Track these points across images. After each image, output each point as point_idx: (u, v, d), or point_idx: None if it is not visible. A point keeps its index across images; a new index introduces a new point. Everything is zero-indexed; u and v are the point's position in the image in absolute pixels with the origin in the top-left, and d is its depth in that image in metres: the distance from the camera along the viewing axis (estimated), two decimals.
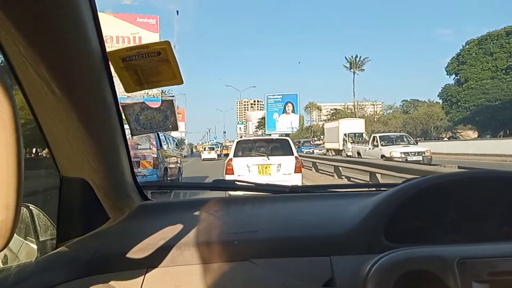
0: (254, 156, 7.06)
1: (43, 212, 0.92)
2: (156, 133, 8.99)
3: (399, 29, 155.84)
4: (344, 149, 26.05)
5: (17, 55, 0.59)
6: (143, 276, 0.72)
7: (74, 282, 0.71)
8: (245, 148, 7.37)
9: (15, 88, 0.68)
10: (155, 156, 9.20)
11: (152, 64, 0.74)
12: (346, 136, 26.73)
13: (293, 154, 7.03)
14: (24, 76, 0.65)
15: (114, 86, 0.78)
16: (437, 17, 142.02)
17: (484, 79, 43.26)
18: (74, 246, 0.81)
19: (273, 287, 0.70)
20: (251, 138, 8.44)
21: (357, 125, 30.04)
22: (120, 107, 0.82)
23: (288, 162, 6.91)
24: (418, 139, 32.03)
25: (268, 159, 6.90)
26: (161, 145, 9.81)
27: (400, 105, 59.51)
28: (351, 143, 24.55)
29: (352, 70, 57.59)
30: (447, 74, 48.40)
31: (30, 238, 0.89)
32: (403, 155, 14.43)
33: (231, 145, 8.41)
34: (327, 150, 32.02)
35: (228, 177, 6.66)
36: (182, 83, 0.77)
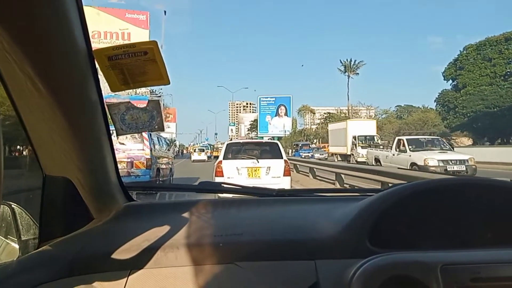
0: (244, 158, 7.29)
1: (26, 211, 0.93)
2: (149, 134, 9.53)
3: (392, 36, 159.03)
4: (352, 154, 23.88)
5: (0, 51, 0.59)
6: (126, 278, 0.74)
7: (57, 282, 0.72)
8: (235, 150, 7.61)
9: None
10: (149, 157, 9.53)
11: (139, 64, 0.76)
12: (355, 139, 24.48)
13: (282, 158, 7.32)
14: (7, 73, 0.66)
15: (99, 85, 0.79)
16: (429, 25, 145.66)
17: (482, 85, 43.83)
18: (57, 246, 0.83)
19: None
20: (241, 141, 8.73)
21: (368, 127, 27.35)
22: (106, 106, 0.84)
23: (277, 165, 7.19)
24: None
25: (258, 162, 7.17)
26: (154, 146, 10.14)
27: (394, 110, 60.10)
28: (361, 147, 22.65)
29: (346, 73, 58.03)
30: (444, 79, 49.09)
31: (11, 237, 0.90)
32: (441, 164, 11.68)
33: (222, 147, 8.59)
34: (332, 154, 29.89)
35: (218, 179, 6.87)
36: (169, 83, 0.80)
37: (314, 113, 65.64)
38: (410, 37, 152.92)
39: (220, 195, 1.51)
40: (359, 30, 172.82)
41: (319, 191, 1.27)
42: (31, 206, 0.96)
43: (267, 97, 53.13)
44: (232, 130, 75.78)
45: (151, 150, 9.75)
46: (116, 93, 0.83)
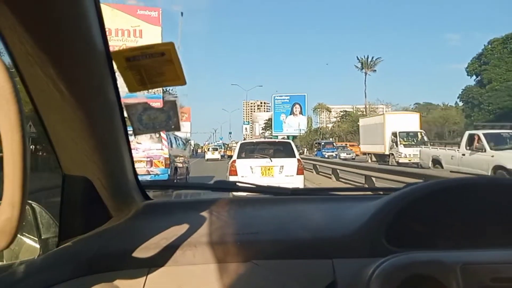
0: (257, 158, 7.55)
1: (46, 210, 0.98)
2: (167, 134, 10.15)
3: (408, 33, 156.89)
4: (392, 154, 20.82)
5: (23, 53, 0.63)
6: (145, 276, 0.77)
7: (76, 280, 0.76)
8: (249, 150, 7.90)
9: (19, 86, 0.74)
10: (167, 156, 10.18)
11: (156, 65, 0.79)
12: (396, 136, 20.89)
13: (295, 157, 7.60)
14: (29, 75, 0.70)
15: (117, 86, 0.83)
16: (445, 22, 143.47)
17: (509, 80, 42.67)
18: (77, 244, 0.86)
19: None
20: (254, 141, 9.08)
21: (410, 121, 23.07)
22: (123, 107, 0.88)
23: (290, 164, 7.45)
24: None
25: (271, 161, 7.44)
26: (172, 146, 10.73)
27: (412, 108, 59.19)
28: (404, 145, 19.98)
29: (363, 70, 57.47)
30: (468, 75, 48.07)
31: (32, 236, 0.94)
32: None
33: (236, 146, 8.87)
34: (364, 154, 26.53)
35: (232, 178, 7.17)
36: (185, 84, 0.83)
37: (330, 111, 65.21)
38: (427, 34, 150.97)
39: (235, 193, 1.54)
40: (375, 27, 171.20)
41: (334, 190, 1.29)
42: (51, 205, 1.00)
43: (281, 96, 52.98)
44: (246, 129, 76.08)
45: (169, 150, 10.33)
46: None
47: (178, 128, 0.93)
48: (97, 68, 0.76)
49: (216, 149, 36.92)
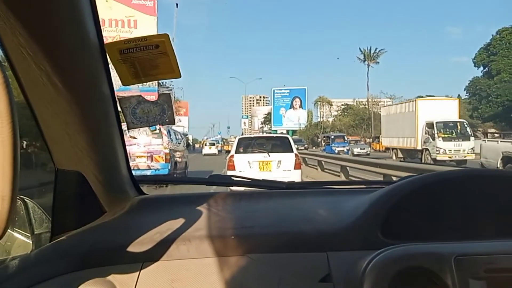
0: (255, 152, 7.86)
1: (38, 205, 0.99)
2: (168, 129, 10.72)
3: (411, 25, 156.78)
4: (427, 150, 17.69)
5: (15, 45, 0.64)
6: (139, 270, 0.78)
7: (69, 275, 0.77)
8: (246, 144, 8.19)
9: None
10: (167, 151, 10.67)
11: (150, 57, 0.81)
12: (432, 127, 17.50)
13: (292, 151, 7.89)
14: (21, 68, 0.71)
15: (111, 78, 0.84)
16: (447, 15, 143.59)
17: None
18: (69, 239, 0.88)
19: (270, 282, 0.76)
20: (252, 136, 9.29)
21: (447, 109, 18.98)
22: (117, 100, 0.89)
23: (288, 158, 7.75)
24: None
25: (269, 155, 7.73)
26: (172, 141, 11.26)
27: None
28: (443, 138, 16.92)
29: (366, 62, 57.40)
30: (475, 66, 47.56)
31: (24, 231, 0.96)
32: None
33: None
34: (387, 149, 23.80)
35: (230, 173, 7.38)
36: (180, 76, 0.84)
37: (331, 105, 65.17)
38: (428, 26, 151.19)
39: (233, 188, 1.56)
40: (376, 19, 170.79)
41: (329, 183, 1.31)
42: (43, 200, 1.02)
43: (281, 89, 53.04)
44: (245, 123, 76.05)
45: (169, 145, 10.85)
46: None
47: (173, 122, 0.94)
48: (90, 61, 0.77)
49: (213, 144, 37.89)
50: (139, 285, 0.77)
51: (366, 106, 54.79)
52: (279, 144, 8.27)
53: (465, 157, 17.08)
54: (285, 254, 0.81)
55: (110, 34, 22.03)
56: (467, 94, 48.55)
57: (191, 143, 33.42)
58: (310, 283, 0.76)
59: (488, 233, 0.78)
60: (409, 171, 7.55)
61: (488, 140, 12.49)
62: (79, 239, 0.88)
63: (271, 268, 0.78)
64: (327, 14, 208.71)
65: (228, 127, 71.82)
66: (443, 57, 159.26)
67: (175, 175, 11.05)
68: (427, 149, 17.79)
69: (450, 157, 16.76)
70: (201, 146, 48.33)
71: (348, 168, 11.10)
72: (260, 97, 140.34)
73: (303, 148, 32.98)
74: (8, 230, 0.42)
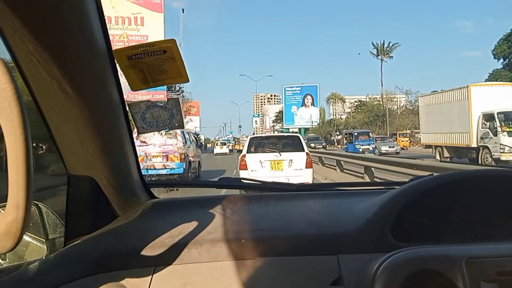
0: (266, 152, 7.99)
1: (52, 210, 1.02)
2: (182, 130, 11.09)
3: (423, 20, 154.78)
4: (486, 147, 14.36)
5: (25, 53, 0.66)
6: (151, 274, 0.80)
7: (84, 279, 0.79)
8: (258, 144, 8.34)
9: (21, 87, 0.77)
10: (182, 151, 11.34)
11: (158, 63, 0.82)
12: (492, 120, 14.25)
13: (304, 150, 8.02)
14: (31, 75, 0.73)
15: (120, 84, 0.86)
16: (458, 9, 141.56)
17: None
18: (83, 244, 0.90)
19: (281, 286, 0.77)
20: (264, 135, 9.52)
21: (505, 96, 15.26)
22: (127, 105, 0.91)
23: (299, 158, 7.87)
24: None
25: (280, 155, 7.87)
26: (186, 141, 11.85)
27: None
28: (508, 133, 13.47)
29: (379, 57, 56.77)
30: (494, 58, 46.43)
31: (39, 236, 0.99)
32: None
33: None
34: (428, 147, 19.67)
35: (242, 172, 7.63)
36: (188, 81, 0.85)
37: (344, 101, 64.67)
38: (439, 21, 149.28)
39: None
40: (387, 14, 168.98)
41: (340, 185, 1.31)
42: (57, 205, 1.04)
43: (292, 87, 52.75)
44: (256, 121, 76.09)
45: (184, 145, 11.57)
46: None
47: (182, 126, 0.96)
48: (99, 67, 0.79)
49: (224, 144, 38.92)
50: None
51: (380, 102, 54.17)
52: (290, 143, 8.38)
53: None
54: (296, 257, 0.82)
55: (117, 32, 21.78)
56: None
57: (203, 143, 33.84)
58: (321, 286, 0.77)
59: (501, 235, 0.78)
60: None
61: None
62: (93, 244, 0.90)
63: (282, 272, 0.79)
64: (338, 9, 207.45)
65: (240, 126, 72.22)
66: (456, 51, 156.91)
67: (189, 174, 11.85)
68: (486, 147, 14.43)
69: None
70: (212, 145, 48.81)
71: (373, 169, 10.15)
72: (271, 95, 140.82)
73: (320, 146, 31.64)
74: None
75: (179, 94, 0.95)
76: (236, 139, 48.32)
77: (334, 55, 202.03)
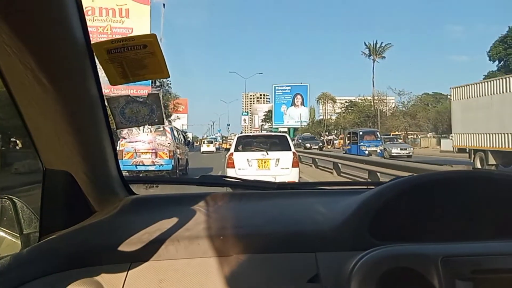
0: (254, 151, 8.20)
1: (27, 205, 1.02)
2: (171, 127, 11.84)
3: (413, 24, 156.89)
4: None
5: (0, 43, 0.65)
6: (127, 270, 0.81)
7: (57, 275, 0.79)
8: (245, 143, 8.54)
9: None
10: (171, 148, 11.68)
11: (138, 57, 0.82)
12: None
13: (290, 150, 8.28)
14: (6, 66, 0.73)
15: (99, 78, 0.86)
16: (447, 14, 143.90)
17: None
18: (58, 239, 0.90)
19: (258, 283, 0.79)
20: (251, 134, 9.80)
21: None
22: (105, 100, 0.91)
23: (286, 157, 8.11)
24: (444, 135, 26.95)
25: (267, 154, 8.09)
26: (175, 139, 12.39)
27: (420, 97, 58.49)
28: None
29: (371, 57, 57.27)
30: (490, 60, 46.80)
31: (13, 231, 0.99)
32: None
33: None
34: (461, 150, 16.57)
35: (229, 170, 7.84)
36: (168, 76, 0.86)
37: (334, 102, 65.03)
38: (429, 25, 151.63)
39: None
40: (379, 16, 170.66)
41: (320, 184, 1.33)
42: (32, 200, 1.04)
43: (282, 86, 52.97)
44: (245, 120, 76.13)
45: (173, 142, 11.89)
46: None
47: (162, 122, 0.97)
48: (77, 60, 0.79)
49: (211, 142, 39.52)
50: (127, 285, 0.79)
51: (372, 103, 54.60)
52: (278, 142, 8.60)
53: None
54: (274, 255, 0.83)
55: (100, 24, 21.02)
56: None
57: (190, 141, 33.90)
58: (298, 284, 0.78)
59: (478, 234, 0.80)
60: None
61: None
62: (67, 239, 0.90)
63: (260, 269, 0.81)
64: (330, 8, 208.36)
65: (228, 124, 72.03)
66: (444, 56, 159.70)
67: (177, 171, 12.05)
68: None
69: None
70: (199, 144, 48.92)
71: (378, 174, 9.08)
72: (261, 95, 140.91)
73: (316, 147, 29.46)
74: None
75: (159, 90, 0.96)
76: (224, 138, 48.58)
77: (326, 54, 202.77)
